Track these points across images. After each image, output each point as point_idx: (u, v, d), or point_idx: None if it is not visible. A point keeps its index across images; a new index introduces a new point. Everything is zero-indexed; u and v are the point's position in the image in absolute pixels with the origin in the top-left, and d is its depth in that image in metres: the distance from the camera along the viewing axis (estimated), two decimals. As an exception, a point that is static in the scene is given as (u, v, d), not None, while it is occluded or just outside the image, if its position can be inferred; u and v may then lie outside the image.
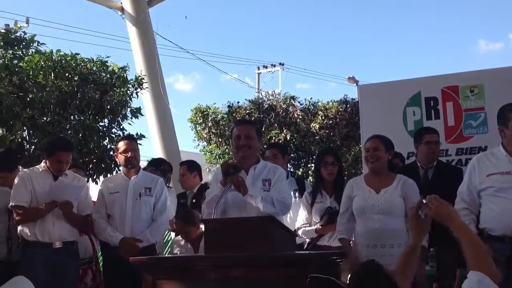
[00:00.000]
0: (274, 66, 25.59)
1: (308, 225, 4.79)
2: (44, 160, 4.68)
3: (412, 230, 2.80)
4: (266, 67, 25.66)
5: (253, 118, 12.08)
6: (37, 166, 4.71)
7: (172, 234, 5.87)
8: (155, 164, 5.68)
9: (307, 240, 4.81)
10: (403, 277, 2.51)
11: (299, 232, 4.79)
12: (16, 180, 4.56)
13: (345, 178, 5.64)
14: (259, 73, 25.62)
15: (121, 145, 4.77)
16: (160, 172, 5.40)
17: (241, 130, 4.01)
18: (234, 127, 4.16)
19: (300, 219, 4.84)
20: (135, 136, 7.60)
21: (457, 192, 4.02)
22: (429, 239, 4.03)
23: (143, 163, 5.47)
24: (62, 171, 4.61)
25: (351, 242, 4.19)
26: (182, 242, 4.91)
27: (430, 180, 4.72)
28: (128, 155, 4.69)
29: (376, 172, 4.17)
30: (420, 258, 3.99)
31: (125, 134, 7.75)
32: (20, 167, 4.95)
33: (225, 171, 3.81)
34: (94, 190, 5.71)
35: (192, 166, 5.80)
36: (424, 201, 2.65)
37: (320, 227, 4.68)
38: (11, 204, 4.50)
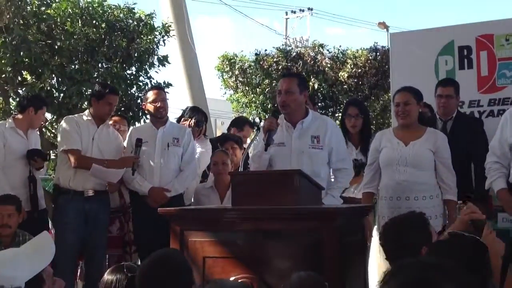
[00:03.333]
0: (303, 11, 25.10)
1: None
2: (88, 109, 4.80)
3: (456, 224, 2.74)
4: (295, 12, 25.19)
5: (280, 67, 11.96)
6: (82, 114, 4.82)
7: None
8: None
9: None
10: None
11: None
12: (65, 124, 4.66)
13: (373, 128, 5.60)
14: (287, 19, 25.17)
15: (150, 95, 4.79)
16: (195, 123, 5.35)
17: (281, 85, 3.93)
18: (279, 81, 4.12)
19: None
20: (162, 84, 7.60)
21: (489, 146, 3.95)
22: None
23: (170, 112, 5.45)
24: (110, 113, 4.79)
25: (374, 196, 4.18)
26: (206, 191, 4.92)
27: (448, 132, 4.63)
28: (158, 105, 4.72)
29: (406, 125, 4.10)
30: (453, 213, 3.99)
31: (152, 83, 7.74)
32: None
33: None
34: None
35: None
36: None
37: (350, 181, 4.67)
38: (64, 147, 4.59)
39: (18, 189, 4.57)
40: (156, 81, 7.81)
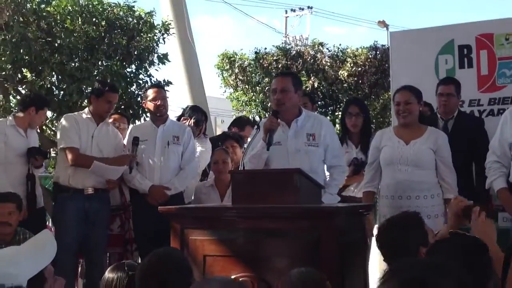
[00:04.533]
0: (302, 9, 25.06)
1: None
2: (88, 107, 4.81)
3: (449, 221, 2.75)
4: (294, 11, 25.15)
5: (280, 65, 11.96)
6: (81, 112, 4.83)
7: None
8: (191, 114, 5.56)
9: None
10: None
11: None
12: (64, 122, 4.67)
13: (372, 127, 5.61)
14: (286, 17, 25.14)
15: (150, 93, 4.79)
16: (194, 123, 5.35)
17: (276, 83, 3.94)
18: (273, 80, 4.14)
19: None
20: (162, 82, 7.60)
21: (489, 146, 3.96)
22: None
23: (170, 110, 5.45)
24: (109, 111, 4.80)
25: (375, 195, 4.18)
26: (206, 189, 4.92)
27: (450, 132, 4.63)
28: (158, 103, 4.72)
29: (406, 125, 4.10)
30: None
31: (152, 81, 7.74)
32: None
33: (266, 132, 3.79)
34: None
35: None
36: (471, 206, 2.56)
37: (345, 178, 4.67)
38: (62, 145, 4.61)
39: (17, 187, 4.57)
40: (156, 79, 7.82)
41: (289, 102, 3.89)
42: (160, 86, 5.20)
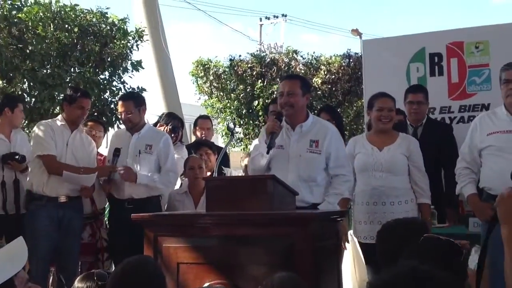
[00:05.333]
0: (277, 17, 25.22)
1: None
2: (61, 114, 4.77)
3: None
4: (269, 19, 25.30)
5: (254, 72, 11.99)
6: (55, 119, 4.77)
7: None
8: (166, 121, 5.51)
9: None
10: None
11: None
12: (38, 130, 4.61)
13: (346, 134, 5.66)
14: (261, 25, 25.26)
15: (119, 105, 4.84)
16: (170, 130, 5.30)
17: (283, 86, 3.86)
18: (280, 83, 4.09)
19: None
20: (136, 89, 7.55)
21: (459, 152, 4.02)
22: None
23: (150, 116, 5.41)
24: (82, 117, 4.72)
25: (350, 202, 4.20)
26: (180, 196, 4.89)
27: (419, 138, 4.69)
28: (122, 117, 4.77)
29: (383, 131, 4.14)
30: (427, 216, 4.04)
31: (126, 88, 7.69)
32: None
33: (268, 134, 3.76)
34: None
35: None
36: None
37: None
38: (39, 153, 4.53)
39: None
40: (130, 86, 7.78)
41: (296, 105, 3.80)
42: (127, 98, 4.99)
